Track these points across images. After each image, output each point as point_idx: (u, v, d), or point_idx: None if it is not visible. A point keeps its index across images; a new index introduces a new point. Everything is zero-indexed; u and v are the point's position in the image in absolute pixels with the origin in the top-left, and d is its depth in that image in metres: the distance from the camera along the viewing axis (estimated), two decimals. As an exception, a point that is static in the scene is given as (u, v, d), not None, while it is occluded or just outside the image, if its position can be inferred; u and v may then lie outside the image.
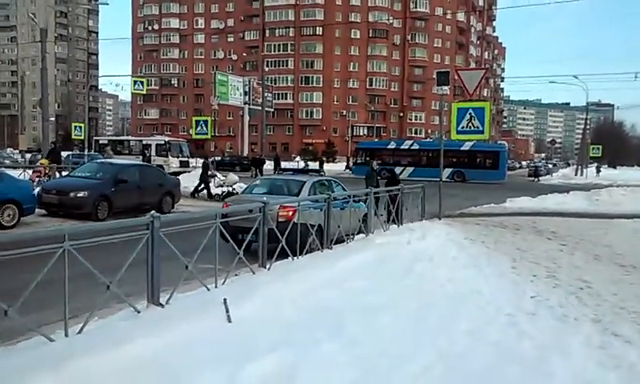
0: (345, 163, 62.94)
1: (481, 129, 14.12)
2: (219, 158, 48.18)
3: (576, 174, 57.62)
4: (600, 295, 6.94)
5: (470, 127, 14.11)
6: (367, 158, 45.62)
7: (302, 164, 55.29)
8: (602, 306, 6.46)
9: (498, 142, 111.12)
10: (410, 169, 43.33)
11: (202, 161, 25.09)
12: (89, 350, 4.28)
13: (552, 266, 8.75)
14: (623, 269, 8.80)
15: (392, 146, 48.32)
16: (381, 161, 45.13)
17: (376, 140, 69.17)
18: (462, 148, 40.50)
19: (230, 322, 5.40)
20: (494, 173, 41.62)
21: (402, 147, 47.12)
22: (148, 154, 39.20)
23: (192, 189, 22.56)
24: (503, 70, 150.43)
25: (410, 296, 6.70)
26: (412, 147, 46.75)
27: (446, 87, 14.91)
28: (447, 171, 39.29)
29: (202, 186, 22.19)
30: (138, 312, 5.23)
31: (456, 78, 15.42)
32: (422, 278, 7.68)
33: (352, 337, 5.22)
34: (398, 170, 43.18)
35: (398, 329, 5.51)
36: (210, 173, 22.57)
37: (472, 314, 5.99)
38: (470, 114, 14.10)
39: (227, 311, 5.49)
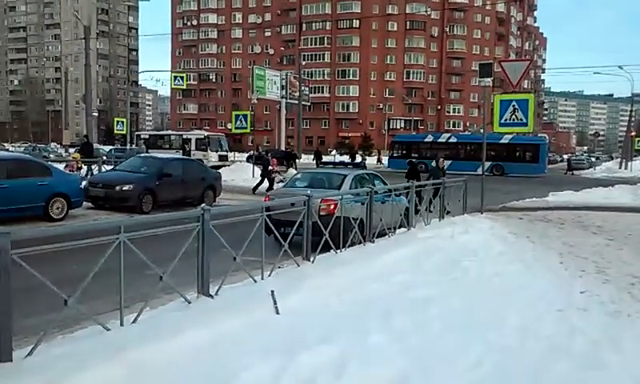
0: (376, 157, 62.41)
1: (525, 121, 13.85)
2: (256, 153, 48.55)
3: (620, 168, 56.06)
4: (653, 291, 6.76)
5: (514, 119, 13.86)
6: (404, 152, 45.38)
7: (338, 158, 55.14)
8: (656, 302, 6.29)
9: (539, 135, 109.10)
10: (448, 162, 42.77)
11: (245, 155, 24.97)
12: (143, 339, 4.39)
13: (600, 262, 8.56)
14: (675, 265, 8.54)
15: (429, 139, 47.68)
16: (418, 154, 44.77)
17: (414, 133, 68.47)
18: (501, 141, 39.79)
19: (277, 313, 5.46)
20: (534, 166, 40.75)
21: (440, 140, 46.44)
22: (188, 149, 39.85)
23: (233, 182, 22.77)
24: (544, 60, 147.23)
25: (456, 290, 6.65)
26: (450, 140, 46.04)
27: (488, 79, 14.68)
28: (486, 165, 38.50)
29: (264, 181, 21.65)
30: (189, 303, 5.34)
31: (497, 70, 15.16)
32: (468, 272, 7.61)
33: (400, 330, 5.22)
34: (435, 163, 42.77)
35: (447, 323, 5.47)
36: (270, 168, 22.11)
37: (521, 309, 5.90)
38: (513, 106, 13.85)
39: (275, 303, 5.56)
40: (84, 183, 15.24)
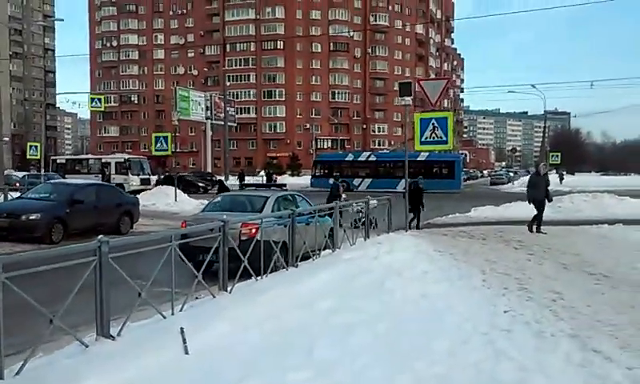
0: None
1: (444, 139, 13.99)
2: (183, 174, 47.46)
3: (537, 182, 58.48)
4: (574, 307, 6.72)
5: (434, 137, 13.98)
6: (325, 171, 46.13)
7: (266, 179, 54.79)
8: (577, 319, 6.22)
9: (460, 152, 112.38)
10: (368, 180, 44.03)
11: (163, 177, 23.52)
12: (27, 394, 3.83)
13: (522, 277, 8.56)
14: (593, 277, 8.66)
15: (350, 157, 48.95)
16: (339, 173, 45.52)
17: (340, 152, 69.30)
18: (418, 158, 40.84)
19: (187, 353, 4.97)
20: (451, 182, 42.18)
21: (360, 159, 47.74)
22: (108, 173, 38.42)
23: (154, 207, 21.83)
24: (462, 80, 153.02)
25: (382, 314, 6.38)
26: (369, 159, 47.39)
27: (408, 98, 14.80)
28: (404, 182, 39.45)
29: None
30: (86, 346, 4.77)
31: (418, 89, 15.29)
32: (393, 294, 7.37)
33: (324, 363, 4.86)
34: (356, 181, 43.69)
35: (372, 351, 5.17)
36: (342, 195, 18.90)
37: (448, 333, 5.68)
38: (433, 124, 13.97)
39: (184, 341, 5.07)
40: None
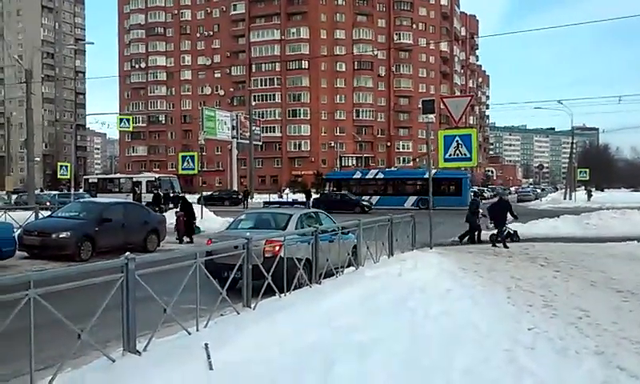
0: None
1: (468, 156, 13.94)
2: (210, 193, 48.26)
3: (564, 198, 57.78)
4: (600, 324, 6.65)
5: (458, 154, 13.94)
6: (334, 188, 46.64)
7: (292, 197, 55.48)
8: (603, 336, 6.16)
9: (486, 169, 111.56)
10: (376, 198, 44.37)
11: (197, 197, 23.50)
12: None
13: (548, 295, 8.48)
14: (620, 295, 8.54)
15: (357, 175, 49.67)
16: (347, 190, 45.90)
17: (357, 169, 69.67)
18: (425, 175, 40.77)
19: (211, 368, 5.06)
20: (458, 199, 42.01)
21: (368, 177, 48.45)
22: (139, 192, 39.06)
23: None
24: (488, 97, 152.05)
25: (402, 332, 6.39)
26: (377, 176, 48.00)
27: (431, 115, 14.86)
28: (412, 199, 41.11)
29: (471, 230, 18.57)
30: (113, 361, 4.89)
31: (442, 106, 15.30)
32: (415, 311, 7.37)
33: (343, 381, 4.90)
34: (365, 199, 44.12)
35: (391, 370, 5.19)
36: (480, 212, 18.77)
37: (468, 350, 5.68)
38: (457, 141, 13.94)
39: (208, 357, 5.16)
40: (18, 231, 14.49)
